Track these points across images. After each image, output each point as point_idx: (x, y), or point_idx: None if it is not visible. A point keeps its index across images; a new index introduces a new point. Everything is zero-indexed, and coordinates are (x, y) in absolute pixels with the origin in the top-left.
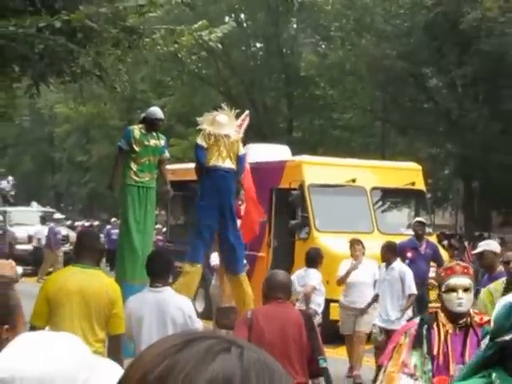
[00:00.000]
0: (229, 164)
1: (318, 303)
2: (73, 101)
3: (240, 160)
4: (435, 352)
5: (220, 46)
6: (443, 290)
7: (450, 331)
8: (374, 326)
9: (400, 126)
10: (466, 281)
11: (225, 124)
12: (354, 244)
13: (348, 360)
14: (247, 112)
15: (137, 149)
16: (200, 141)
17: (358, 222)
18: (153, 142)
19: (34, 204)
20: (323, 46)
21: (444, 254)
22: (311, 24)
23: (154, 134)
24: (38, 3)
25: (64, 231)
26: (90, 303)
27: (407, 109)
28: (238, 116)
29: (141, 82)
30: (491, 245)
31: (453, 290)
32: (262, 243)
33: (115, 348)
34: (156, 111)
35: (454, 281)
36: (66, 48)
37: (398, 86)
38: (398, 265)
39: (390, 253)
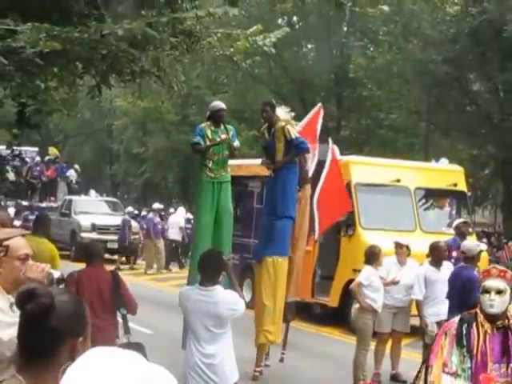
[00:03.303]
0: None
1: (372, 298)
2: (131, 95)
3: None
4: (474, 351)
5: (273, 50)
6: (480, 291)
7: (489, 331)
8: (431, 325)
9: (443, 127)
10: (500, 283)
11: None
12: (397, 247)
13: (374, 358)
14: (320, 104)
15: (211, 144)
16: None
17: (402, 221)
18: (223, 136)
19: (93, 192)
20: (371, 49)
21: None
22: (360, 28)
23: (223, 127)
24: (102, 7)
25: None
26: (39, 259)
27: (451, 111)
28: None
29: (196, 78)
30: None
31: (487, 291)
32: (310, 238)
33: None
34: (218, 103)
35: (488, 283)
36: (128, 53)
37: (442, 90)
38: (449, 264)
39: (440, 253)
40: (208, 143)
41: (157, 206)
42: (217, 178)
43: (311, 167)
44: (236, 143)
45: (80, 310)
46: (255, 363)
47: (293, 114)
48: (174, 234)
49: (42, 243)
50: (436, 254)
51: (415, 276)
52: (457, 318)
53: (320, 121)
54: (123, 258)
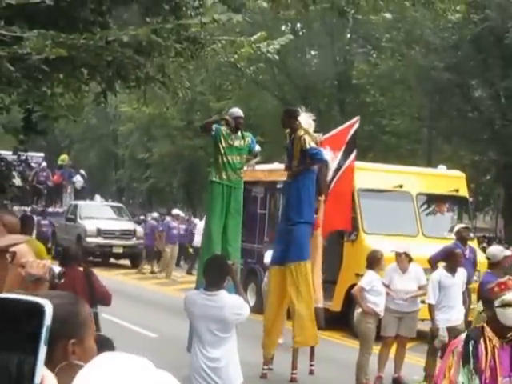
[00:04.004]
0: None
1: (373, 302)
2: (136, 101)
3: None
4: (483, 367)
5: (277, 57)
6: (497, 304)
7: (497, 345)
8: (442, 329)
9: (445, 133)
10: None
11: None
12: (396, 255)
13: (378, 362)
14: (357, 117)
15: (224, 144)
16: (314, 144)
17: (404, 226)
18: (237, 142)
19: (98, 197)
20: (374, 56)
21: (483, 256)
22: (363, 35)
23: (239, 134)
24: (107, 14)
25: (131, 226)
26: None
27: (453, 117)
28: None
29: (200, 83)
30: None
31: (509, 305)
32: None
33: None
34: (237, 110)
35: (509, 296)
36: (133, 60)
37: (444, 96)
38: (463, 270)
39: (456, 259)
40: (220, 145)
41: (176, 211)
42: (230, 179)
43: (329, 175)
44: (257, 148)
45: (72, 311)
46: (292, 366)
47: (313, 124)
48: (198, 242)
49: (32, 242)
50: (452, 260)
51: (429, 281)
52: (463, 335)
53: (351, 132)
54: (127, 262)
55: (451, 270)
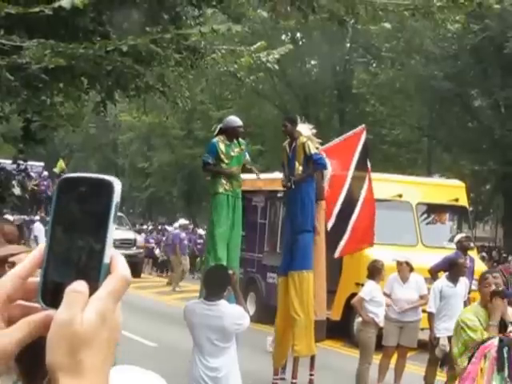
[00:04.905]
0: None
1: (374, 313)
2: (136, 110)
3: None
4: None
5: (277, 67)
6: None
7: None
8: (443, 339)
9: (445, 143)
10: None
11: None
12: (398, 264)
13: (378, 371)
14: (363, 126)
15: (226, 161)
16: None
17: (403, 235)
18: (236, 150)
19: None
20: (374, 66)
21: (482, 265)
22: (363, 44)
23: (235, 141)
24: (107, 24)
25: (131, 235)
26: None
27: (453, 127)
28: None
29: (200, 92)
30: None
31: None
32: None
33: None
34: (236, 119)
35: None
36: (133, 69)
37: (444, 105)
38: (465, 280)
39: (459, 269)
40: (223, 166)
41: (182, 221)
42: (234, 189)
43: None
44: (247, 158)
45: None
46: (292, 376)
47: (314, 130)
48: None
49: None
50: (455, 270)
51: (431, 290)
52: (496, 340)
53: (360, 146)
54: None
55: (453, 279)
